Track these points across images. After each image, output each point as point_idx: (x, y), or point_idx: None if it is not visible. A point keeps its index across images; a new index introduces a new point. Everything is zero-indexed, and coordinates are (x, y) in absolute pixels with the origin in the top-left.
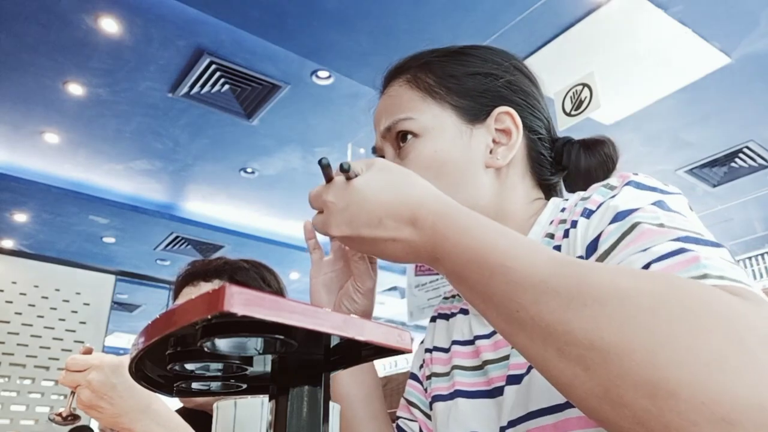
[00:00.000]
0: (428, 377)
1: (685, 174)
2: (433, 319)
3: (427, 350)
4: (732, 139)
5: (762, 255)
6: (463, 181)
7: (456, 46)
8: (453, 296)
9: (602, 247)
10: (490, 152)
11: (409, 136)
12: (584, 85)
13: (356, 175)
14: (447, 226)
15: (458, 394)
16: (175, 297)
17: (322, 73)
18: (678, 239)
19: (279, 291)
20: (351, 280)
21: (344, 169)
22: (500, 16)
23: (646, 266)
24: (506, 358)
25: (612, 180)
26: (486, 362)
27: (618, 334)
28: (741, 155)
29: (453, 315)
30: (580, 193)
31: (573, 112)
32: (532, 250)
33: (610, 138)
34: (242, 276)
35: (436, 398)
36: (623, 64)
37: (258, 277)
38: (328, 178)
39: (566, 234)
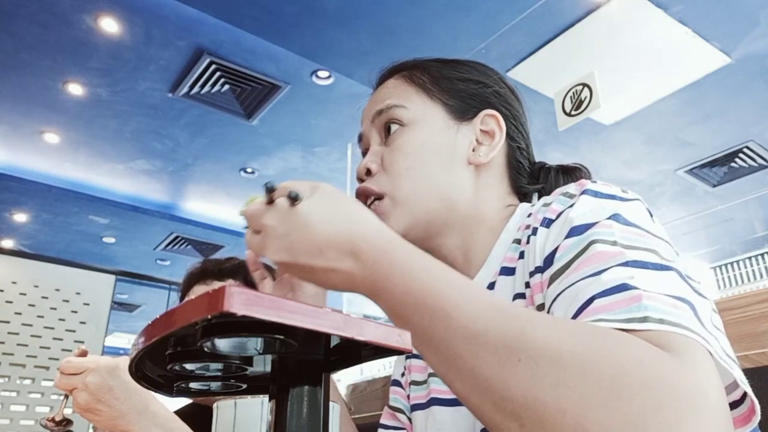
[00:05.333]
0: (410, 384)
1: (685, 174)
2: None
3: (407, 356)
4: (732, 139)
5: (762, 255)
6: (445, 171)
7: (450, 58)
8: None
9: (557, 264)
10: (473, 150)
11: (397, 125)
12: (584, 85)
13: (300, 200)
14: (389, 263)
15: (433, 402)
16: (184, 293)
17: (322, 73)
18: (627, 264)
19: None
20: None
21: (291, 197)
22: (500, 16)
23: (590, 300)
24: None
25: (571, 188)
26: None
27: (551, 394)
28: (741, 155)
29: None
30: (544, 198)
31: (573, 112)
32: (474, 297)
33: (585, 166)
34: None
35: (415, 407)
36: (623, 64)
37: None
38: (270, 200)
39: (528, 240)
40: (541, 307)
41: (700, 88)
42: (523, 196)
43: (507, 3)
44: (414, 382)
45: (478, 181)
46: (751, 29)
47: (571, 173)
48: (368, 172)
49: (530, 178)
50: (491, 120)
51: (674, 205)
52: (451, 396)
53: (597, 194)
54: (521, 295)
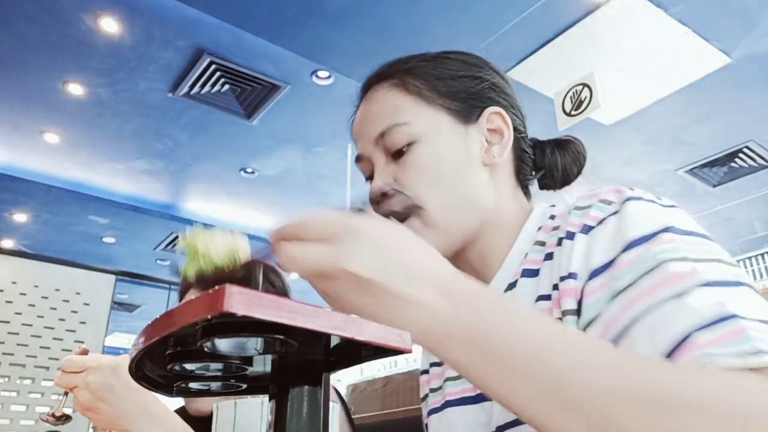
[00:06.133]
0: (423, 398)
1: (685, 174)
2: None
3: (423, 372)
4: (732, 139)
5: (762, 255)
6: (466, 179)
7: (433, 52)
8: None
9: (619, 283)
10: (485, 151)
11: (404, 143)
12: (584, 85)
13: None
14: (489, 308)
15: (447, 404)
16: (181, 297)
17: (322, 73)
18: (708, 284)
19: (283, 291)
20: None
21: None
22: (500, 16)
23: (689, 334)
24: None
25: (607, 194)
26: None
27: None
28: (741, 155)
29: None
30: (568, 201)
31: (573, 112)
32: (591, 348)
33: (576, 138)
34: (247, 276)
35: (431, 412)
36: (623, 64)
37: (263, 277)
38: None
39: (560, 243)
40: (567, 312)
41: (700, 88)
42: (526, 189)
43: (507, 3)
44: (432, 390)
45: (494, 180)
46: (751, 29)
47: (565, 147)
48: (383, 195)
49: (533, 164)
50: (497, 117)
51: None
52: (462, 395)
53: (641, 201)
54: (546, 297)
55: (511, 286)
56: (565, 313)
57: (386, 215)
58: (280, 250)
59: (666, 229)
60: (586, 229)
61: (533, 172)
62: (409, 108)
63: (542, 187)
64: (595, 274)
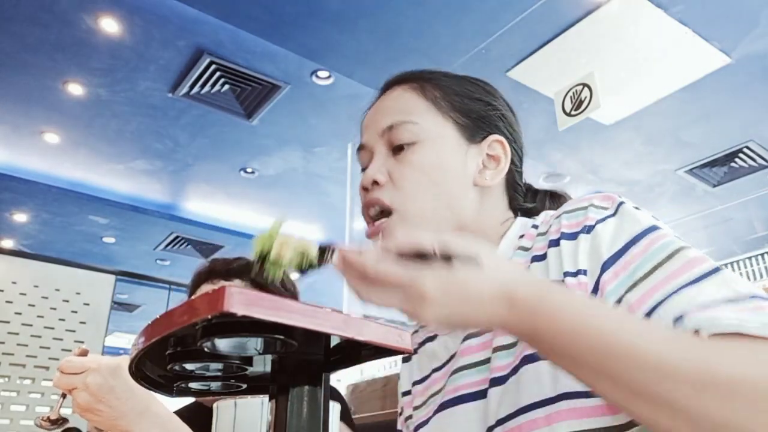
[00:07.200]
0: (407, 418)
1: (685, 174)
2: (406, 359)
3: (405, 393)
4: (732, 139)
5: (762, 255)
6: (455, 192)
7: (457, 73)
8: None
9: (638, 272)
10: (479, 173)
11: (408, 141)
12: (584, 85)
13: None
14: (549, 307)
15: (443, 406)
16: (192, 292)
17: (322, 73)
18: (717, 270)
19: (294, 294)
20: None
21: (326, 249)
22: (500, 16)
23: (715, 306)
24: (487, 361)
25: (599, 201)
26: (462, 367)
27: (752, 417)
28: (741, 155)
29: (422, 344)
30: (550, 212)
31: (573, 112)
32: (648, 331)
33: (568, 193)
34: (262, 278)
35: (418, 427)
36: (623, 64)
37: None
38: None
39: (551, 245)
40: None
41: (700, 88)
42: (515, 212)
43: (507, 3)
44: (416, 407)
45: (482, 201)
46: (751, 29)
47: (557, 200)
48: (375, 183)
49: (524, 197)
50: (498, 146)
51: (674, 205)
52: (455, 394)
53: (630, 204)
54: None
55: None
56: None
57: (371, 204)
58: (354, 286)
59: (657, 226)
60: (588, 229)
61: (526, 202)
62: (421, 111)
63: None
64: (606, 266)
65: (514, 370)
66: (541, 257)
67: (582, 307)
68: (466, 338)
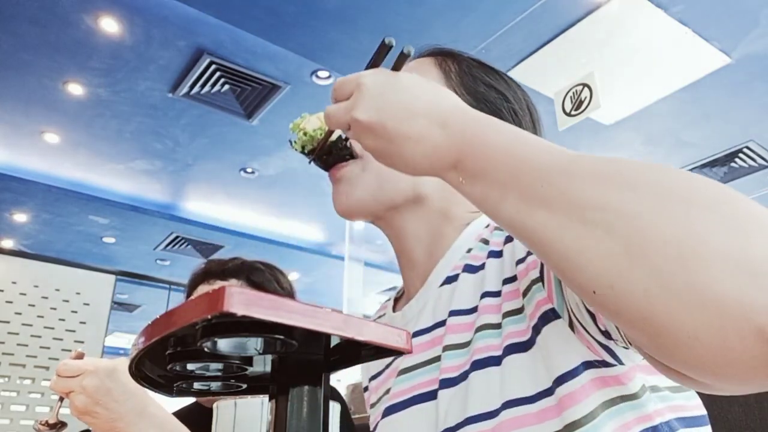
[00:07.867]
0: (370, 406)
1: None
2: None
3: (365, 389)
4: (732, 139)
5: None
6: None
7: (487, 62)
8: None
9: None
10: None
11: None
12: (584, 85)
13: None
14: (481, 130)
15: (388, 411)
16: (189, 294)
17: (322, 73)
18: None
19: (290, 293)
20: None
21: (404, 54)
22: (500, 16)
23: None
24: (437, 359)
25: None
26: (410, 368)
27: (652, 197)
28: (741, 155)
29: None
30: None
31: (573, 112)
32: (575, 155)
33: None
34: (258, 277)
35: (374, 429)
36: (623, 64)
37: (272, 278)
38: (374, 65)
39: (508, 240)
40: (514, 312)
41: (700, 88)
42: None
43: (507, 3)
44: (371, 405)
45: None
46: (751, 29)
47: None
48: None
49: None
50: None
51: None
52: (407, 396)
53: None
54: (494, 294)
55: (451, 279)
56: (507, 314)
57: (342, 141)
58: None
59: None
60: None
61: None
62: (430, 77)
63: None
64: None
65: (464, 376)
66: (498, 254)
67: (506, 127)
68: (414, 335)
